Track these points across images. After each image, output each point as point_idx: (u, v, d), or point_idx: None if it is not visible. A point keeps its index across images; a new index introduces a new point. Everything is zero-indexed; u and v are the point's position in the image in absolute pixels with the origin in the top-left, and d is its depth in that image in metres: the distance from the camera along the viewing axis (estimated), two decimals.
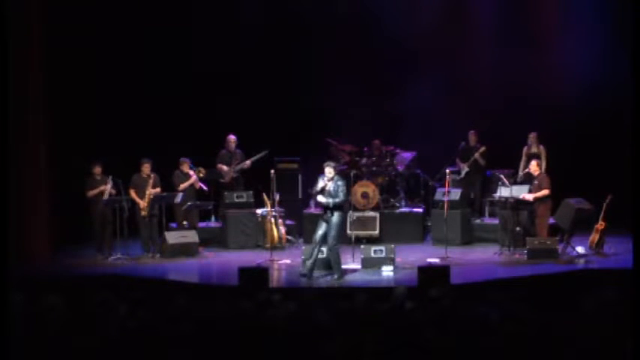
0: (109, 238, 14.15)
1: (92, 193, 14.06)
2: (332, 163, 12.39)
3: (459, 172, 15.64)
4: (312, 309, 7.30)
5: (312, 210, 15.52)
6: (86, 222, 14.32)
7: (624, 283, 8.61)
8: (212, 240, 15.34)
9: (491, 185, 15.51)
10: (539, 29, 16.63)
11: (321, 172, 12.25)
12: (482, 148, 15.71)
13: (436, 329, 6.55)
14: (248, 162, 15.64)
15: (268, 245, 14.22)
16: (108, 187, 13.99)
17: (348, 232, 14.75)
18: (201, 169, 15.00)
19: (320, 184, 12.10)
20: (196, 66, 16.52)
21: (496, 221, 14.81)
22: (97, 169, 14.13)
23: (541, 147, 15.29)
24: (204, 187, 14.98)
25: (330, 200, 11.99)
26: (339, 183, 12.08)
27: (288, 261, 13.51)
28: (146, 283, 12.15)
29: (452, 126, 16.02)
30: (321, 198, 12.06)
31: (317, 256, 12.13)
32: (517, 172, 14.88)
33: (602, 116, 15.92)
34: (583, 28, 16.04)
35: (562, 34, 16.38)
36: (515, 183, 14.17)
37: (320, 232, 12.09)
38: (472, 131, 15.88)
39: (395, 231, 15.24)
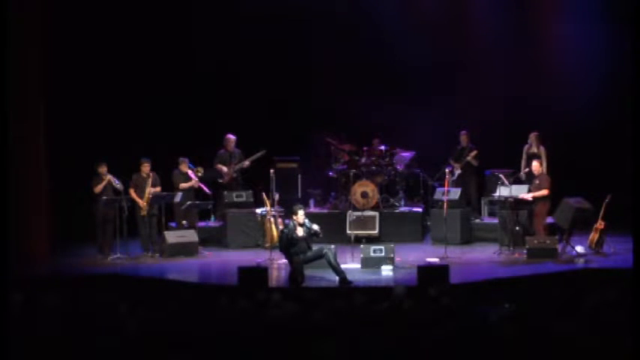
0: (110, 237, 14.15)
1: (99, 187, 14.07)
2: (302, 206, 12.59)
3: (452, 173, 15.64)
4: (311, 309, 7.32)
5: (312, 210, 15.54)
6: (86, 222, 14.32)
7: (624, 283, 8.62)
8: (211, 239, 15.34)
9: (489, 185, 15.55)
10: (540, 28, 16.65)
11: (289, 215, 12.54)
12: (474, 152, 15.74)
13: (435, 328, 6.56)
14: (247, 162, 15.66)
15: (268, 245, 14.23)
16: (111, 178, 14.03)
17: (348, 231, 14.79)
18: (200, 169, 14.99)
19: (301, 231, 12.09)
20: (196, 66, 16.53)
21: (495, 221, 14.82)
22: (103, 169, 14.14)
23: (541, 147, 15.28)
24: (206, 189, 14.95)
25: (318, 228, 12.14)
26: (307, 220, 12.25)
27: (287, 260, 13.50)
28: (146, 283, 12.16)
29: (452, 125, 16.03)
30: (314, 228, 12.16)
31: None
32: (517, 172, 14.90)
33: (602, 116, 15.93)
34: (584, 27, 16.05)
35: (563, 33, 16.39)
36: (515, 182, 14.18)
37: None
38: (463, 132, 15.90)
39: (394, 230, 15.24)
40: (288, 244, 12.06)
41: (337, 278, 11.88)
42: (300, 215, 12.15)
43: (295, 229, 12.08)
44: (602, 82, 15.86)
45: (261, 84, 16.68)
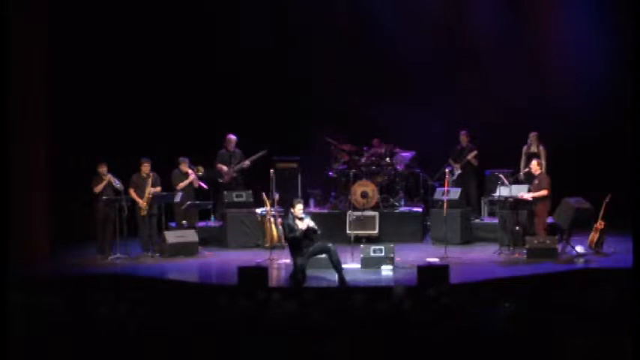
0: (110, 237, 14.15)
1: (99, 187, 14.08)
2: (301, 200, 12.52)
3: (452, 173, 15.65)
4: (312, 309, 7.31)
5: (312, 209, 15.54)
6: (86, 222, 14.33)
7: (624, 283, 8.61)
8: (211, 239, 15.35)
9: (489, 185, 15.56)
10: (540, 29, 16.65)
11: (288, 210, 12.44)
12: (474, 152, 15.76)
13: (435, 328, 6.56)
14: (247, 161, 15.67)
15: (268, 245, 14.24)
16: (111, 177, 14.03)
17: (348, 231, 14.80)
18: (200, 168, 15.01)
19: (300, 224, 12.00)
20: (196, 66, 16.53)
21: (495, 221, 14.82)
22: (103, 169, 14.15)
23: (541, 147, 15.30)
24: (204, 186, 15.00)
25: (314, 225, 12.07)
26: (304, 215, 12.20)
27: (287, 260, 13.46)
28: (146, 283, 12.15)
29: (452, 125, 16.03)
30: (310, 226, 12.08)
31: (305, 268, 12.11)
32: (517, 171, 14.90)
33: (602, 116, 15.93)
34: (584, 27, 16.06)
35: (562, 34, 16.40)
36: (514, 182, 14.18)
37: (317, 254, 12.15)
38: (463, 132, 15.92)
39: (394, 230, 15.24)
40: (289, 231, 11.99)
41: (337, 277, 11.87)
42: (298, 209, 12.10)
43: (294, 220, 12.05)
44: (601, 81, 15.87)
45: (261, 84, 16.68)
